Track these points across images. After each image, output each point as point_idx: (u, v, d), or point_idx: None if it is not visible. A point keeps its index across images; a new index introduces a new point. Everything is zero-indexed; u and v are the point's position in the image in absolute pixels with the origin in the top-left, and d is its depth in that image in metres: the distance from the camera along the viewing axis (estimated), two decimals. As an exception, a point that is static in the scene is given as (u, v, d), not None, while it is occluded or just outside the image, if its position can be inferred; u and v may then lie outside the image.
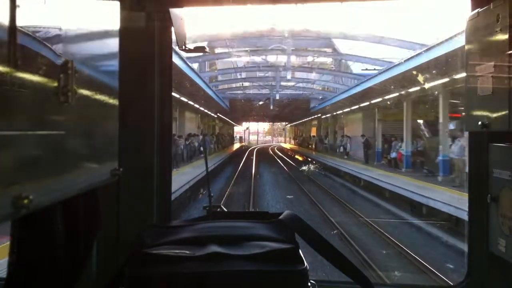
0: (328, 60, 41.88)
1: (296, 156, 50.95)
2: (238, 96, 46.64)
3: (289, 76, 37.28)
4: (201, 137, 34.99)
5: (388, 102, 29.11)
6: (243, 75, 42.53)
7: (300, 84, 44.02)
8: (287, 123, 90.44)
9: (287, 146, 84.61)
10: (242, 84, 44.46)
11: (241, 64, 38.18)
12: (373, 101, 30.48)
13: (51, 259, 1.32)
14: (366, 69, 31.75)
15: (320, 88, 46.09)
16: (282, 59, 36.98)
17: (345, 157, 36.91)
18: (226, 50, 32.99)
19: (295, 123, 78.20)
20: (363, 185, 24.34)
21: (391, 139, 29.27)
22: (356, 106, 34.81)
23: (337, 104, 38.64)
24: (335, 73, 41.86)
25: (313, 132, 62.91)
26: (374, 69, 29.60)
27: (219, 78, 42.85)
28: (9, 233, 1.25)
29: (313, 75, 42.24)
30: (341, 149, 40.20)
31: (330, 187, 24.69)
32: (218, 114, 48.13)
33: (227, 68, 38.79)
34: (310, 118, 58.50)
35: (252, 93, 46.90)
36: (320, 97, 45.64)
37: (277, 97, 43.59)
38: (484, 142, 2.06)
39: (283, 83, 41.64)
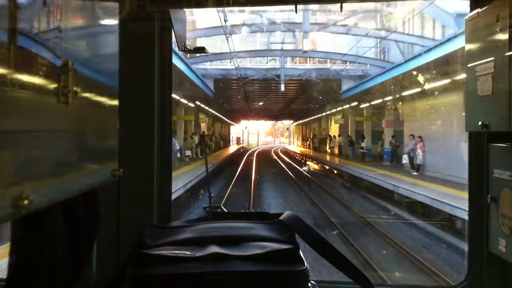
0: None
1: (313, 166, 35.56)
2: (228, 73, 29.94)
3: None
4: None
5: None
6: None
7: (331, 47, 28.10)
8: (292, 121, 77.28)
9: (295, 149, 63.84)
10: (232, 46, 25.28)
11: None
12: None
13: (51, 259, 1.32)
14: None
15: (374, 56, 30.71)
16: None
17: (414, 173, 21.94)
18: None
19: (305, 119, 60.23)
20: None
21: None
22: (450, 80, 18.77)
23: (396, 80, 23.49)
24: None
25: (334, 131, 43.79)
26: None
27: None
28: (9, 233, 1.25)
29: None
30: (404, 159, 24.23)
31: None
32: (196, 102, 31.24)
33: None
34: (332, 110, 41.46)
35: (251, 66, 30.78)
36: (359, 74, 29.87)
37: (305, 50, 26.88)
38: (484, 142, 2.07)
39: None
